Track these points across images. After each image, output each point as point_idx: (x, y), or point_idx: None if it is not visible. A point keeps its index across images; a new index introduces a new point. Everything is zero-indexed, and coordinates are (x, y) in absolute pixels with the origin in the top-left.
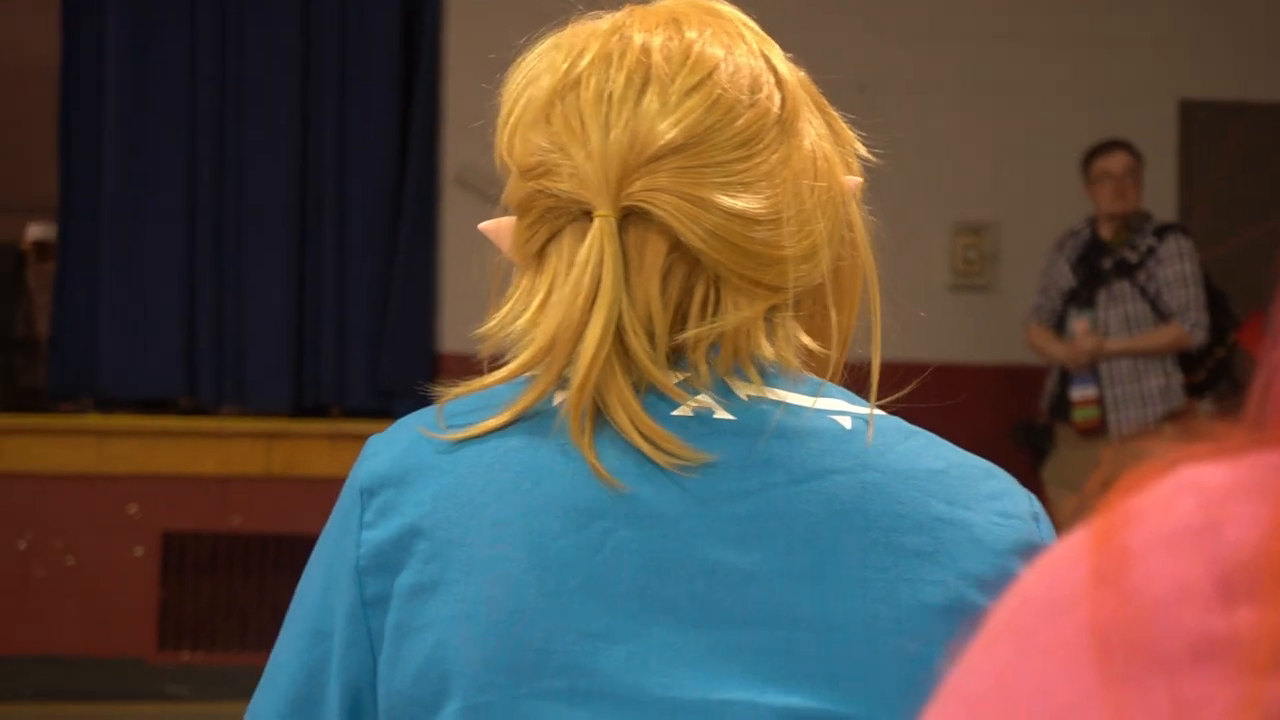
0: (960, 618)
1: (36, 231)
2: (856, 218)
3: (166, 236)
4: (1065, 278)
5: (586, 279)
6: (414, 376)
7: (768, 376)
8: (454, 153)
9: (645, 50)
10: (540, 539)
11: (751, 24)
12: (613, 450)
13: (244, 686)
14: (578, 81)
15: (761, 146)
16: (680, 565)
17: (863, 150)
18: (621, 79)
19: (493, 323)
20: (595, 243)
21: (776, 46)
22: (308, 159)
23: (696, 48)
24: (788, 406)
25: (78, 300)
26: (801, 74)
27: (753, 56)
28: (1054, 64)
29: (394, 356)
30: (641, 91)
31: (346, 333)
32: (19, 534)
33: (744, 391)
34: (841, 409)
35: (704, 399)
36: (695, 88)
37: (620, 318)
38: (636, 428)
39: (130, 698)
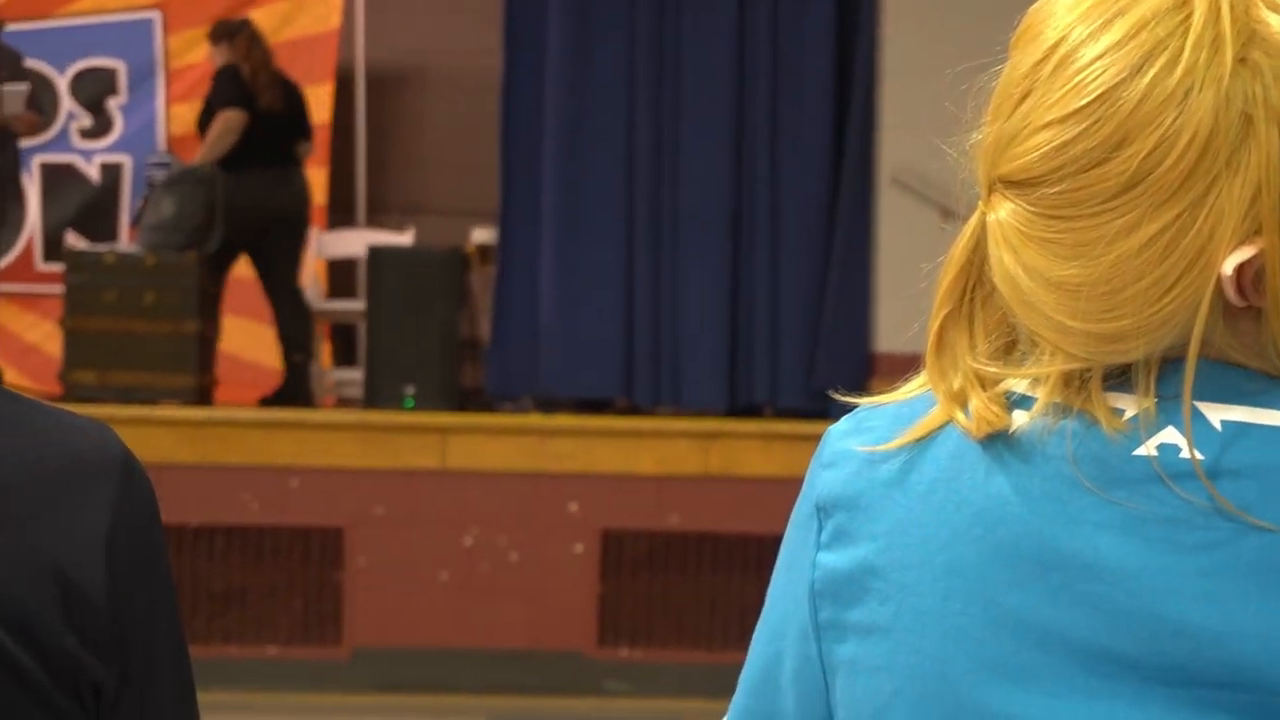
0: None
1: (479, 236)
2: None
3: (604, 240)
4: None
5: None
6: (848, 377)
7: (1250, 394)
8: (890, 153)
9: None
10: (994, 592)
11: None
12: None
13: (680, 683)
14: None
15: (1099, 207)
16: (1142, 623)
17: None
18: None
19: None
20: None
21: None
22: (742, 162)
23: (1090, 56)
24: (1269, 433)
25: (518, 303)
26: None
27: (1187, 79)
28: None
29: (828, 357)
30: (1027, 94)
31: (780, 333)
32: (464, 531)
33: (1217, 415)
34: None
35: (1170, 433)
36: (1056, 120)
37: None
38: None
39: (570, 692)
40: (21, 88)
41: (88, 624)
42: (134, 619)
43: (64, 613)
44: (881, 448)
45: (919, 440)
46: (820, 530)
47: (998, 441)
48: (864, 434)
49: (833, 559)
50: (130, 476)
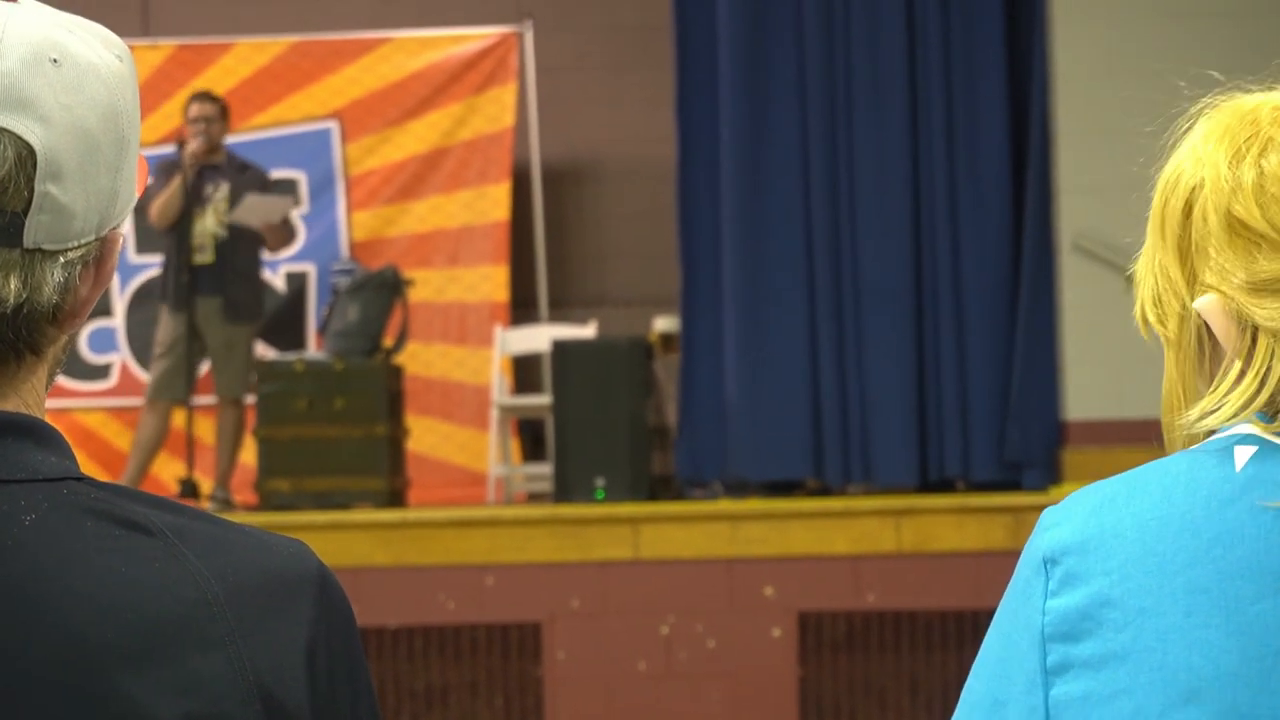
0: None
1: (662, 324)
2: None
3: (787, 321)
4: None
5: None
6: (1039, 447)
7: None
8: (1070, 219)
9: None
10: (1238, 604)
11: None
12: None
13: None
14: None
15: None
16: None
17: None
18: None
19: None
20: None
21: None
22: (920, 233)
23: None
24: None
25: (704, 388)
26: None
27: None
28: None
29: (1019, 427)
30: None
31: (969, 406)
32: (661, 620)
33: None
34: None
35: None
36: None
37: None
38: None
39: None
40: (282, 201)
41: None
42: None
43: None
44: (1109, 491)
45: (1145, 477)
46: (1048, 580)
47: (1229, 470)
48: (1085, 493)
49: (1062, 602)
50: (326, 590)
